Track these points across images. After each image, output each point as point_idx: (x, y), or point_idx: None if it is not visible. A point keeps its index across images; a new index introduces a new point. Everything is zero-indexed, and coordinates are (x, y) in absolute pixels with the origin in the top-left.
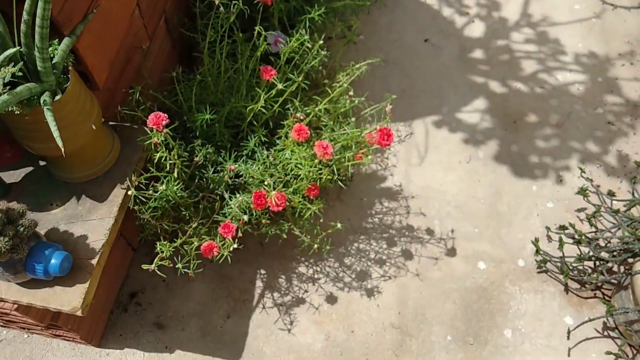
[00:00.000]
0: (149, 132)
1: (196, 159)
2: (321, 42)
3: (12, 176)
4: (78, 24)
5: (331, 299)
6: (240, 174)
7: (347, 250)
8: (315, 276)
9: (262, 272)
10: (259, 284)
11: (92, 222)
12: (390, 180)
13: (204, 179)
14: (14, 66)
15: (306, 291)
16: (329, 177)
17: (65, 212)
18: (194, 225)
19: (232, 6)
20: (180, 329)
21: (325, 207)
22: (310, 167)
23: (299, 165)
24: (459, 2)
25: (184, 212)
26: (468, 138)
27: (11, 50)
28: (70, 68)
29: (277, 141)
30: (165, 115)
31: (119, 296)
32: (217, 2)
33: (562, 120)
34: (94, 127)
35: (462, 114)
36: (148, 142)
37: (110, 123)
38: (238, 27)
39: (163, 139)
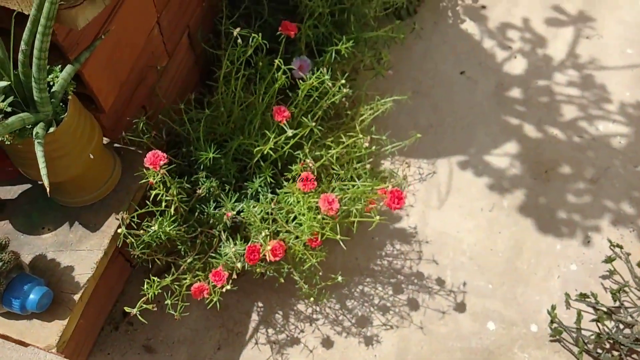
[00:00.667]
0: (145, 171)
1: (199, 191)
2: (343, 81)
3: (9, 192)
4: (83, 51)
5: (327, 343)
6: (242, 211)
7: (351, 292)
8: (314, 316)
9: (260, 304)
10: (254, 317)
11: (81, 253)
12: (406, 220)
13: (204, 214)
14: (13, 97)
15: (302, 331)
16: (329, 234)
17: (55, 238)
18: (188, 260)
19: (250, 39)
20: (168, 355)
21: (330, 248)
22: (314, 219)
23: (301, 217)
24: (502, 34)
25: (179, 247)
26: (493, 184)
27: (3, 83)
28: (70, 96)
29: (285, 182)
30: (164, 155)
31: (112, 312)
32: (235, 33)
33: (598, 175)
34: (91, 156)
35: (490, 157)
36: (144, 180)
37: (115, 145)
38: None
39: (160, 178)
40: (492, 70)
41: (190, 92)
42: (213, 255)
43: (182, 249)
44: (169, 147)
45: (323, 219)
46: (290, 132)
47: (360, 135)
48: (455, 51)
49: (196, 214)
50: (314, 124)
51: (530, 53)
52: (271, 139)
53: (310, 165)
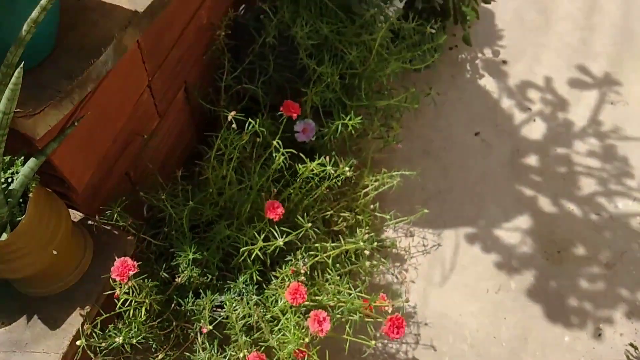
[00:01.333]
0: (111, 282)
1: (177, 280)
2: (347, 168)
3: None
4: (51, 142)
5: None
6: (223, 306)
7: None
8: None
9: None
10: None
11: (36, 356)
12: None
13: (181, 306)
14: None
15: None
16: None
17: (9, 335)
18: (160, 357)
19: (247, 125)
20: None
21: None
22: (300, 338)
23: (287, 334)
24: (522, 93)
25: (150, 342)
26: (502, 262)
27: None
28: (31, 194)
29: (273, 278)
30: (134, 264)
31: None
32: (230, 117)
33: (614, 260)
34: (55, 252)
35: (500, 231)
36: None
37: (89, 222)
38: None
39: (127, 289)
40: (508, 133)
41: (183, 147)
42: (188, 356)
43: (154, 345)
44: (151, 225)
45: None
46: (280, 242)
47: (362, 245)
48: (471, 110)
49: (172, 305)
50: (309, 224)
51: (551, 117)
52: (259, 241)
53: (303, 271)
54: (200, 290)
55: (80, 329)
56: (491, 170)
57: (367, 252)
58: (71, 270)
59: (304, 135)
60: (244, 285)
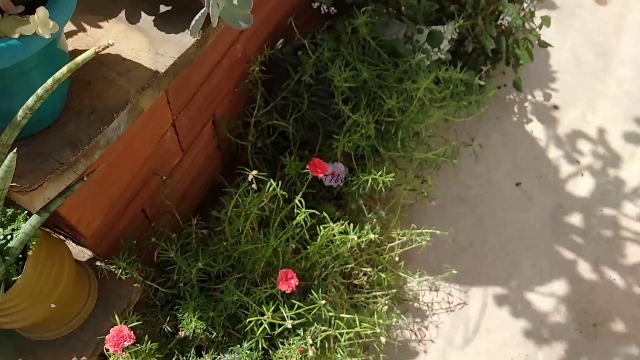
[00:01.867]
0: (105, 351)
1: (180, 334)
2: (372, 236)
3: None
4: (56, 198)
5: None
6: None
7: None
8: None
9: None
10: None
11: None
12: (422, 358)
13: None
14: None
15: None
16: None
17: None
18: None
19: (268, 187)
20: None
21: None
22: None
23: None
24: (572, 143)
25: None
26: (531, 330)
27: None
28: (30, 252)
29: (281, 345)
30: (130, 334)
31: None
32: (250, 177)
33: None
34: (53, 306)
35: (533, 295)
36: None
37: (97, 262)
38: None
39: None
40: (552, 186)
41: (206, 178)
42: None
43: None
44: (161, 268)
45: None
46: (289, 324)
47: (378, 330)
48: (515, 157)
49: (173, 359)
50: (323, 302)
51: (600, 173)
52: (268, 313)
53: (311, 352)
54: (204, 347)
55: None
56: (529, 226)
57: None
58: (73, 316)
59: (331, 179)
60: (249, 351)
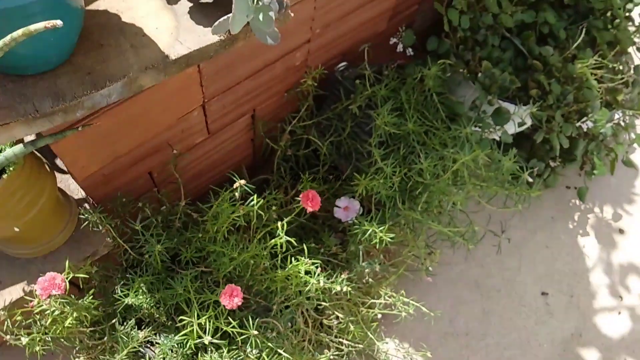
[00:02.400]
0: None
1: (126, 300)
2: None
3: None
4: (45, 137)
5: None
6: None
7: None
8: None
9: None
10: None
11: None
12: None
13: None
14: None
15: None
16: None
17: None
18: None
19: (248, 202)
20: None
21: None
22: None
23: None
24: (622, 276)
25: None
26: None
27: None
28: (5, 176)
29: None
30: (62, 285)
31: None
32: (236, 185)
33: None
34: (16, 229)
35: None
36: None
37: (85, 204)
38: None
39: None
40: (580, 311)
41: (228, 167)
42: None
43: (78, 346)
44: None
45: None
46: (207, 340)
47: None
48: (553, 264)
49: (114, 321)
50: (255, 332)
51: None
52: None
53: None
54: (145, 322)
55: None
56: (537, 342)
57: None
58: (40, 244)
59: (343, 213)
60: (176, 345)
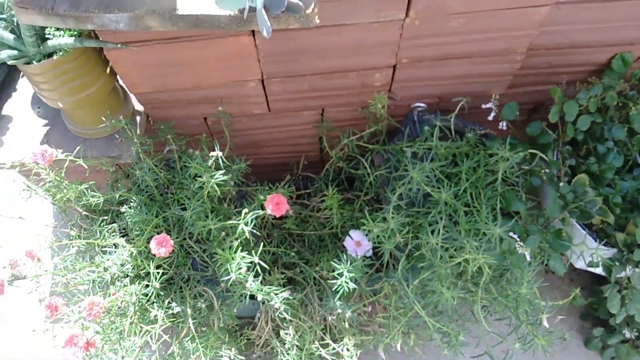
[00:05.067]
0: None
1: (122, 208)
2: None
3: None
4: (97, 41)
5: None
6: None
7: None
8: None
9: None
10: None
11: None
12: None
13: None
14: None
15: None
16: None
17: None
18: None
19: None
20: None
21: None
22: None
23: None
24: None
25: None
26: None
27: None
28: (55, 56)
29: None
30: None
31: None
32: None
33: None
34: (60, 105)
35: None
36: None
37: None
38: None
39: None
40: None
41: (293, 150)
42: None
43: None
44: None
45: None
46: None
47: None
48: None
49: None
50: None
51: None
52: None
53: None
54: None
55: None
56: None
57: None
58: (84, 127)
59: (353, 246)
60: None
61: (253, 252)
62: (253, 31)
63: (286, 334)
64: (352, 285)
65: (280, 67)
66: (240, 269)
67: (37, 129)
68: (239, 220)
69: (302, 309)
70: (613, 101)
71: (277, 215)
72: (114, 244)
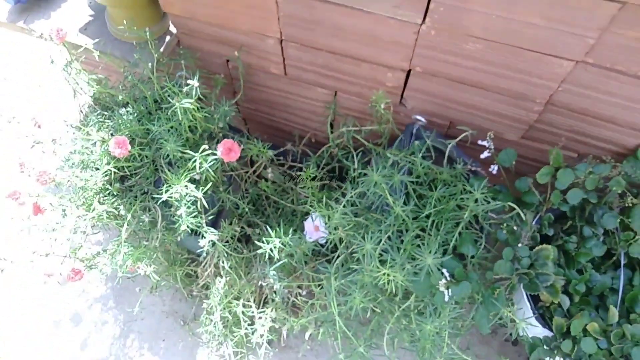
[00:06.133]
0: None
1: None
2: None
3: None
4: None
5: None
6: None
7: None
8: None
9: None
10: None
11: None
12: None
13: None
14: None
15: None
16: None
17: None
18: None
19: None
20: None
21: None
22: None
23: None
24: None
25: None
26: None
27: None
28: None
29: None
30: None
31: None
32: (193, 82)
33: None
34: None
35: None
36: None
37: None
38: None
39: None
40: None
41: (302, 121)
42: None
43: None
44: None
45: None
46: None
47: None
48: None
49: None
50: None
51: None
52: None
53: None
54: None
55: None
56: None
57: None
58: (117, 28)
59: (312, 230)
60: None
61: (200, 189)
62: None
63: (219, 281)
64: (275, 255)
65: (297, 32)
66: (176, 193)
67: (82, 16)
68: (196, 154)
69: (246, 268)
70: (618, 187)
71: (226, 160)
72: (102, 138)
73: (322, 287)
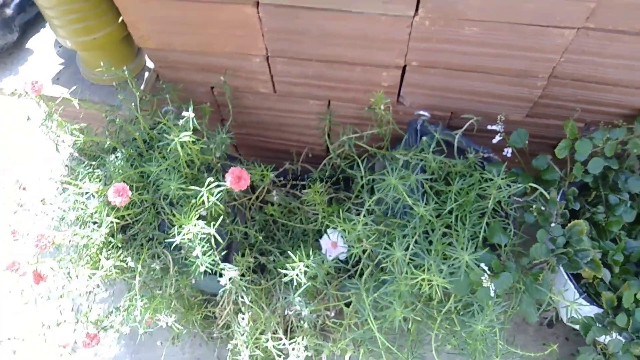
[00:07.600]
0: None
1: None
2: None
3: None
4: None
5: None
6: None
7: None
8: None
9: None
10: None
11: None
12: None
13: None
14: None
15: None
16: None
17: None
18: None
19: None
20: None
21: None
22: None
23: None
24: None
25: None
26: None
27: None
28: None
29: None
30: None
31: None
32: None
33: None
34: (68, 43)
35: None
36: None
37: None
38: None
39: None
40: None
41: (298, 139)
42: None
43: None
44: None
45: None
46: None
47: None
48: None
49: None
50: None
51: None
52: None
53: None
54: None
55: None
56: None
57: None
58: (92, 72)
59: (329, 246)
60: None
61: (212, 224)
62: (257, 3)
63: (242, 318)
64: (303, 280)
65: (284, 45)
66: (188, 234)
67: (52, 66)
68: (202, 188)
69: (267, 299)
70: (637, 149)
71: (236, 189)
72: (95, 191)
73: (349, 305)
